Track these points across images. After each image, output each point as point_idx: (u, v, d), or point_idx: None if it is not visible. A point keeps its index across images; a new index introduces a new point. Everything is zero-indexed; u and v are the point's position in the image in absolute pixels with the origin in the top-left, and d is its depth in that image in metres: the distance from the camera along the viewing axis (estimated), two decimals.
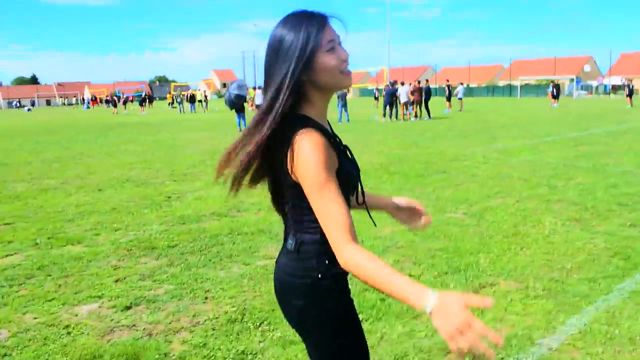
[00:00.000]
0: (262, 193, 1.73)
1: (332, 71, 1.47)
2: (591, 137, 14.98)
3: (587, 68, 77.19)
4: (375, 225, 1.97)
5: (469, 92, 67.49)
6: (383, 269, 1.27)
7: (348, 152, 1.60)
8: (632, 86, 34.53)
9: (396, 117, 23.90)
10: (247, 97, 21.72)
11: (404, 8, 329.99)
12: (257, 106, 29.46)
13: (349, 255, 1.32)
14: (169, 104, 54.77)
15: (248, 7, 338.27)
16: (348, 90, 25.02)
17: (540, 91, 60.31)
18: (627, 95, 33.89)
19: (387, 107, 23.67)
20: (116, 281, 4.57)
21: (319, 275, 1.50)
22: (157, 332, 3.61)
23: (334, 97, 23.69)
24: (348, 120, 23.46)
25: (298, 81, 1.45)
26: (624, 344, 3.18)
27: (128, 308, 4.01)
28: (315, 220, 1.42)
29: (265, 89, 1.51)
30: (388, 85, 24.21)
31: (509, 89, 67.60)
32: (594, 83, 66.88)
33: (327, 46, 1.46)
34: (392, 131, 18.68)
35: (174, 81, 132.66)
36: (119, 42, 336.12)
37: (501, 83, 77.03)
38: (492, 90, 69.77)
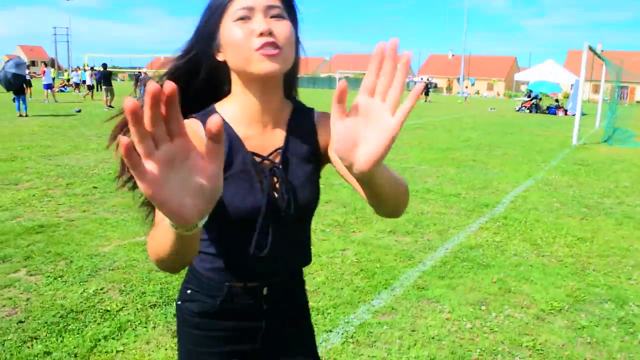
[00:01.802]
0: None
1: (237, 47, 1.05)
2: None
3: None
4: None
5: None
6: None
7: (268, 177, 1.12)
8: (430, 84, 38.26)
9: None
10: (27, 77, 18.79)
11: None
12: (76, 85, 26.28)
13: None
14: None
15: None
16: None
17: (358, 84, 63.06)
18: (421, 93, 38.05)
19: None
20: None
21: None
22: None
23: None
24: None
25: (193, 51, 1.13)
26: None
27: None
28: None
29: None
30: None
31: (329, 81, 69.97)
32: (407, 80, 72.06)
33: (237, 13, 1.05)
34: None
35: None
36: None
37: (323, 75, 79.50)
38: (313, 81, 71.61)
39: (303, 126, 1.20)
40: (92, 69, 31.94)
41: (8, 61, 17.37)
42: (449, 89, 71.13)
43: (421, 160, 9.87)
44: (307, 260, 1.28)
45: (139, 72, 23.65)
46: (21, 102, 16.88)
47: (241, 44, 1.05)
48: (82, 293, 3.78)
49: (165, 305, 3.62)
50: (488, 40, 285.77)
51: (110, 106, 20.71)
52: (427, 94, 38.19)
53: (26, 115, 16.77)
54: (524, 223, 5.66)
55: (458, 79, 67.53)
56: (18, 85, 16.67)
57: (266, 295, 1.21)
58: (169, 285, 3.94)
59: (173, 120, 0.62)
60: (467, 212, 6.08)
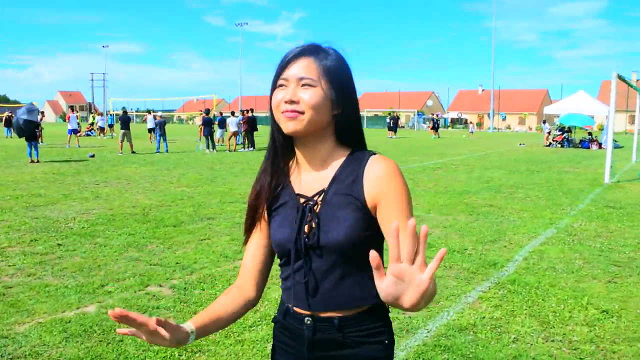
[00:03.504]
0: None
1: (274, 109, 1.38)
2: (404, 172, 14.34)
3: (429, 102, 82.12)
4: None
5: None
6: None
7: (300, 213, 1.39)
8: (437, 120, 39.42)
9: (212, 148, 22.05)
10: (40, 123, 18.66)
11: (269, 39, 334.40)
12: (101, 129, 26.34)
13: None
14: None
15: (111, 28, 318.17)
16: (165, 120, 22.81)
17: (385, 122, 62.78)
18: (431, 128, 38.35)
19: (207, 137, 21.87)
20: None
21: None
22: None
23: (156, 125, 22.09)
24: (167, 150, 21.26)
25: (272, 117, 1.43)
26: None
27: None
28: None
29: None
30: (203, 114, 22.49)
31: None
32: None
33: (278, 82, 1.38)
34: (205, 163, 16.88)
35: (16, 102, 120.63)
36: None
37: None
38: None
39: (351, 172, 1.37)
40: (100, 114, 32.63)
41: (20, 108, 17.26)
42: (479, 124, 69.88)
43: (431, 207, 8.92)
44: (352, 304, 1.36)
45: (154, 116, 23.55)
46: (33, 148, 16.60)
47: (275, 106, 1.36)
48: None
49: None
50: (519, 74, 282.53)
51: (133, 152, 20.43)
52: (436, 129, 37.67)
53: (37, 161, 16.48)
54: (536, 290, 4.65)
55: (489, 114, 66.36)
56: (29, 131, 16.44)
57: (309, 325, 1.37)
58: None
59: (140, 325, 1.13)
60: (469, 275, 5.11)
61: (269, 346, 3.61)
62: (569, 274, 5.15)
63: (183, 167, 15.65)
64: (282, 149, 1.44)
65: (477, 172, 14.66)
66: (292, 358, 1.43)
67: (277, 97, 1.35)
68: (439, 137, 37.32)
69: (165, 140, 21.42)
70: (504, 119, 64.93)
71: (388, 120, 38.08)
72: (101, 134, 34.35)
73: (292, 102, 1.31)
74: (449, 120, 69.81)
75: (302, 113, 1.31)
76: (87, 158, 18.56)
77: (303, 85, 1.33)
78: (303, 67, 1.34)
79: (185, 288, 4.83)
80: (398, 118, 39.25)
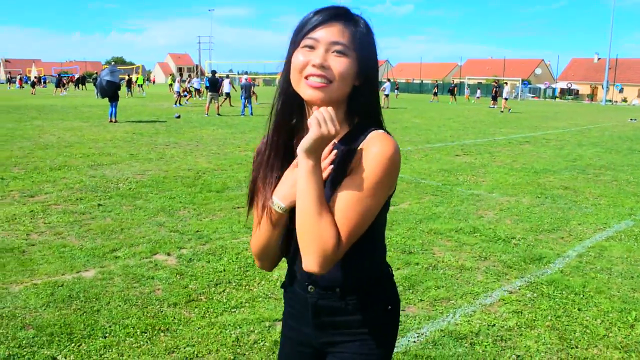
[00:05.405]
0: None
1: (294, 69, 1.26)
2: (486, 145, 13.38)
3: (538, 71, 76.94)
4: None
5: (418, 88, 66.68)
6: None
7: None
8: (497, 88, 33.65)
9: None
10: (121, 83, 19.30)
11: (378, 2, 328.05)
12: (197, 90, 27.64)
13: None
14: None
15: None
16: (254, 83, 23.08)
17: (489, 91, 59.71)
18: (492, 98, 33.80)
19: None
20: None
21: None
22: None
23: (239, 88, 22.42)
24: (252, 113, 21.41)
25: (286, 77, 1.32)
26: None
27: None
28: None
29: None
30: None
31: (459, 88, 66.79)
32: (542, 86, 66.52)
33: (305, 42, 1.25)
34: None
35: (131, 63, 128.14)
36: (85, 21, 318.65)
37: (456, 81, 76.21)
38: (443, 87, 68.82)
39: (343, 151, 1.29)
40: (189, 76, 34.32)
41: (104, 69, 17.97)
42: (591, 96, 64.35)
43: (496, 186, 8.11)
44: (352, 277, 1.35)
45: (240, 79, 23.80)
46: (114, 108, 17.15)
47: (298, 68, 1.24)
48: None
49: None
50: None
51: (218, 114, 20.80)
52: (494, 98, 34.06)
53: (116, 121, 16.99)
54: (575, 295, 3.93)
55: (603, 85, 61.02)
56: (111, 92, 17.03)
57: (313, 293, 1.37)
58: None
59: None
60: (503, 270, 4.46)
61: (237, 333, 3.31)
62: (626, 278, 4.34)
63: (259, 131, 15.60)
64: (290, 116, 1.34)
65: (568, 148, 13.32)
66: (302, 322, 1.43)
67: (300, 59, 1.24)
68: (495, 107, 33.90)
69: (250, 103, 21.55)
70: (620, 91, 59.30)
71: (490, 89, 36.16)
72: (196, 95, 35.45)
73: (322, 67, 1.22)
74: (558, 91, 65.03)
75: (331, 82, 1.23)
76: (174, 119, 19.07)
77: (335, 51, 1.24)
78: (336, 32, 1.24)
79: (190, 259, 4.63)
80: (498, 87, 36.80)
